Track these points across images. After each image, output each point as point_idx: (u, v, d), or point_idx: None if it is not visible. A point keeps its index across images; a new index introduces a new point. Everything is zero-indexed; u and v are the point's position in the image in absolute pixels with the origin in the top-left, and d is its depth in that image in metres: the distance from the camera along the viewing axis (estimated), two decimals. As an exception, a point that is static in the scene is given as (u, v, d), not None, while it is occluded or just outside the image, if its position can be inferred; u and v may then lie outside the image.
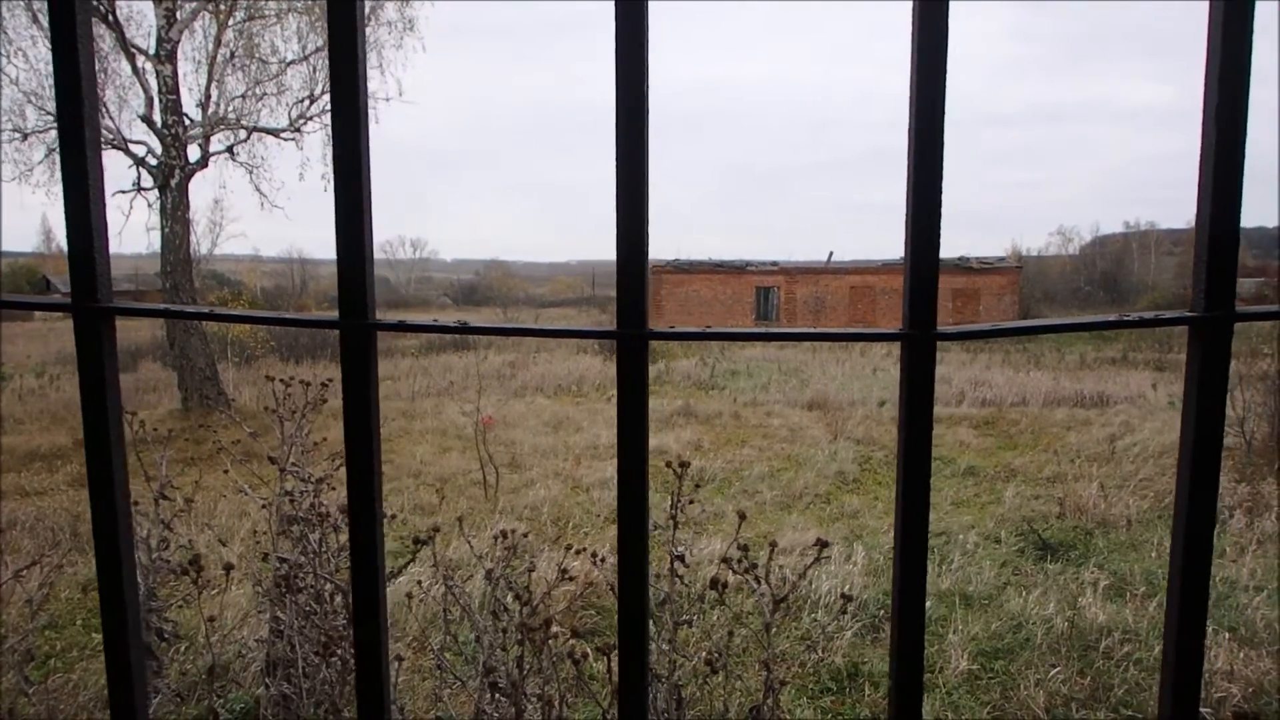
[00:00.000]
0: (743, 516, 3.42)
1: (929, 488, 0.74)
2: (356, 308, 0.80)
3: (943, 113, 0.68)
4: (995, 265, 29.86)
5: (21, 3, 14.00)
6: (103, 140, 14.49)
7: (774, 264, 30.38)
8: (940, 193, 0.69)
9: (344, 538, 3.60)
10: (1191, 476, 0.87)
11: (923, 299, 0.71)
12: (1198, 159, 0.85)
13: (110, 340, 0.88)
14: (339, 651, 3.25)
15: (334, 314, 0.82)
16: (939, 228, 0.70)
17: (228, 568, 3.62)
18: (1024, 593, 5.45)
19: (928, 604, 5.18)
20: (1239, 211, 0.85)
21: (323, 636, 3.36)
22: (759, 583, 3.15)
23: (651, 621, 3.79)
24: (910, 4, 0.75)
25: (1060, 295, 41.47)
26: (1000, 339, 0.96)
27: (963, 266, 29.39)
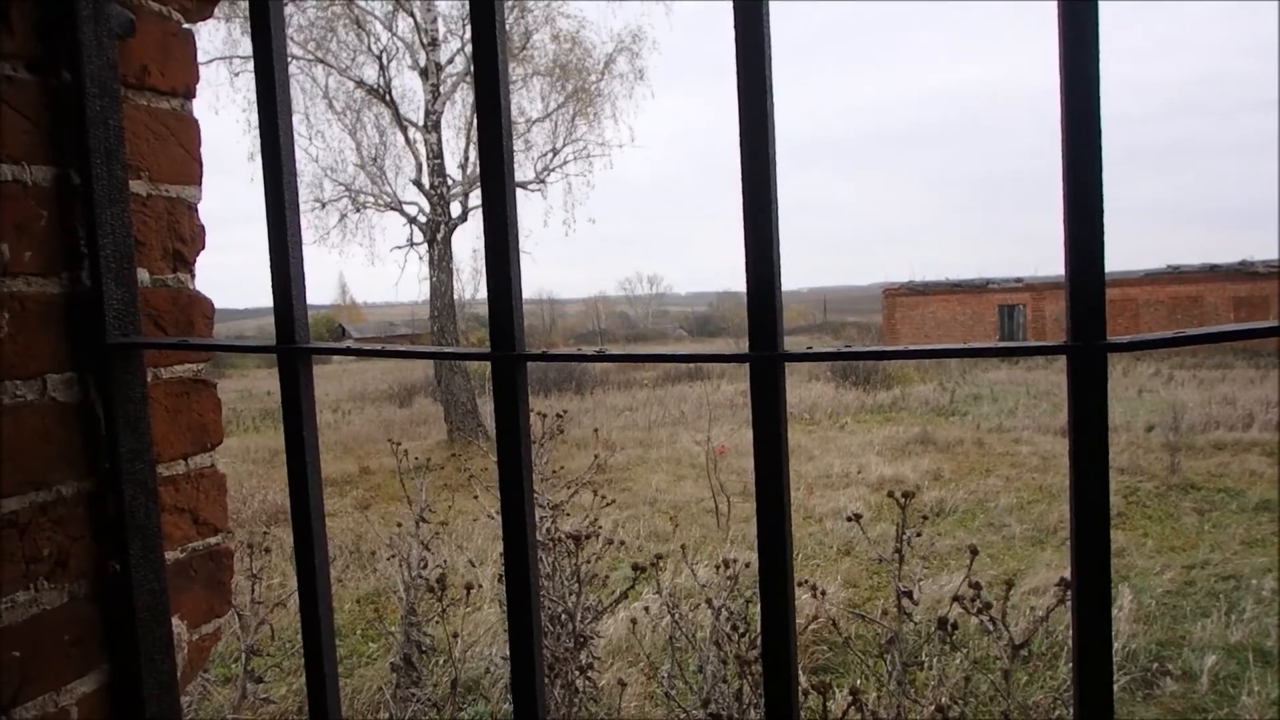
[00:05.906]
0: (974, 552, 3.15)
1: (1109, 519, 0.64)
2: (505, 341, 0.84)
3: (1098, 82, 0.60)
4: (1290, 267, 24.96)
5: (320, 90, 16.41)
6: (381, 203, 16.67)
7: (1019, 280, 27.75)
8: (1100, 173, 0.61)
9: (573, 561, 3.78)
10: None
11: (1088, 305, 0.63)
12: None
13: (307, 377, 0.99)
14: (565, 673, 3.40)
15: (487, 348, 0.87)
16: (1101, 220, 0.61)
17: (468, 587, 3.93)
18: (1346, 652, 4.53)
19: (1212, 658, 4.45)
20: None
21: (549, 657, 3.52)
22: (994, 625, 2.87)
23: (883, 660, 3.58)
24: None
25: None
26: (1179, 347, 0.78)
27: (1245, 271, 25.02)
